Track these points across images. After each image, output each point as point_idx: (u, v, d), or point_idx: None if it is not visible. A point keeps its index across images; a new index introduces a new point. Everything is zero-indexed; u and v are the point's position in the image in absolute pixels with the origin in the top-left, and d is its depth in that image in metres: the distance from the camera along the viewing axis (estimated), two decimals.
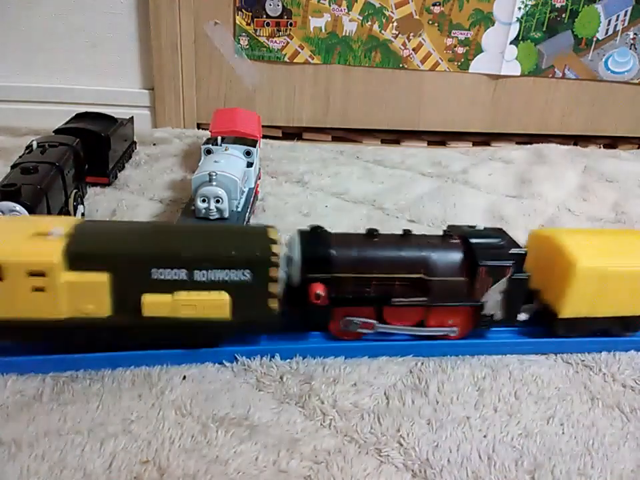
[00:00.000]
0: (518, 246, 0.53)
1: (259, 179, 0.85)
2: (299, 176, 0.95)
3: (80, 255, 0.42)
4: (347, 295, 0.49)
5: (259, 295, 0.45)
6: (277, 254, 0.45)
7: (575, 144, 1.41)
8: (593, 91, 1.32)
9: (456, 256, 0.51)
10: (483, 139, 1.39)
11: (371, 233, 0.51)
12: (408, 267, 0.50)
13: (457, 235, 0.53)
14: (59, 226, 0.43)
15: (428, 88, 1.26)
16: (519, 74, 1.28)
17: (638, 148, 1.44)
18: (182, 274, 0.43)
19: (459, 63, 1.25)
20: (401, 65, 1.23)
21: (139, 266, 0.43)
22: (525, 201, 0.95)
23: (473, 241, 0.52)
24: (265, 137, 1.22)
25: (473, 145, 1.38)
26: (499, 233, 0.55)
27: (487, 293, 0.51)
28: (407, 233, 0.52)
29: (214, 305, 0.44)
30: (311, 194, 0.88)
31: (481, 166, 1.11)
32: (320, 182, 0.93)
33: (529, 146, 1.26)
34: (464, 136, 1.38)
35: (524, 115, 1.34)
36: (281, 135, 1.26)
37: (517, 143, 1.37)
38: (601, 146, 1.45)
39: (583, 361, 0.55)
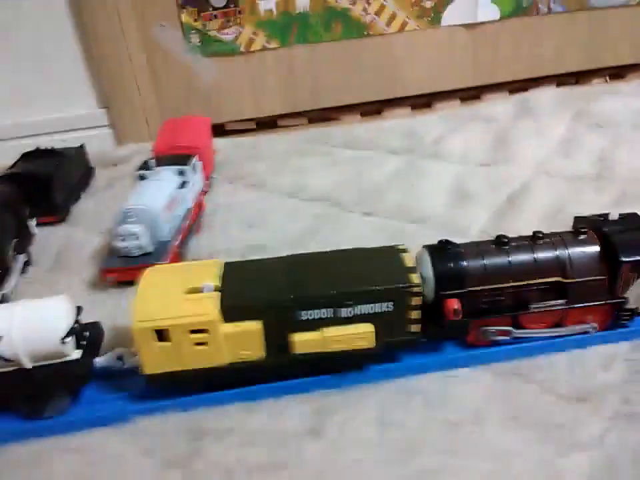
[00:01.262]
0: None
1: (205, 192, 0.83)
2: (258, 178, 0.91)
3: (234, 308, 0.46)
4: (482, 306, 0.49)
5: (401, 322, 0.48)
6: (418, 284, 0.47)
7: (577, 82, 1.30)
8: (585, 21, 1.19)
9: (594, 253, 0.49)
10: (474, 93, 1.30)
11: (500, 240, 0.50)
12: (543, 271, 0.49)
13: (591, 228, 0.51)
14: (208, 280, 0.48)
15: (400, 51, 1.18)
16: (498, 17, 1.17)
17: None
18: (328, 312, 0.47)
19: (429, 18, 1.16)
20: (365, 33, 1.15)
21: (288, 311, 0.46)
22: (498, 169, 0.88)
23: (611, 234, 0.49)
24: (236, 131, 1.19)
25: (462, 101, 1.29)
26: (634, 219, 0.52)
27: (630, 287, 0.49)
28: (537, 233, 0.51)
29: (360, 337, 0.47)
30: (264, 199, 0.85)
31: (459, 130, 1.03)
32: (279, 181, 0.89)
33: (515, 97, 1.16)
34: (452, 94, 1.29)
35: (512, 61, 1.23)
36: (255, 127, 1.22)
37: (511, 92, 1.27)
38: (607, 78, 1.32)
39: (517, 368, 0.51)
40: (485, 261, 0.48)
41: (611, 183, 0.80)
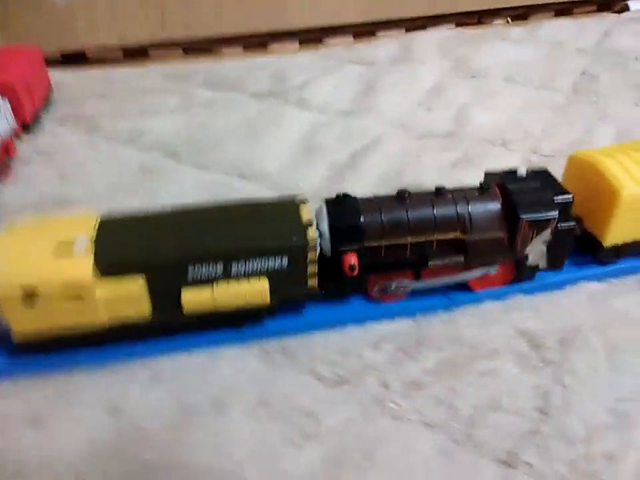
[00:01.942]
0: (564, 191, 0.49)
1: (17, 135, 0.74)
2: (94, 120, 0.82)
3: (112, 263, 0.42)
4: (381, 261, 0.48)
5: (297, 277, 0.46)
6: (313, 239, 0.45)
7: (479, 22, 1.23)
8: None
9: (494, 209, 0.48)
10: (369, 29, 1.22)
11: (401, 194, 0.48)
12: (443, 226, 0.48)
13: (496, 184, 0.50)
14: (80, 231, 0.43)
15: None
16: None
17: (595, 12, 1.25)
18: (219, 268, 0.44)
19: None
20: None
21: (175, 267, 0.43)
22: (355, 121, 0.82)
23: (512, 191, 0.48)
24: (100, 61, 1.08)
25: (355, 38, 1.21)
26: (543, 176, 0.51)
27: (530, 245, 0.49)
28: (439, 189, 0.49)
29: (253, 292, 0.45)
30: (93, 145, 0.76)
31: (332, 73, 0.96)
32: (117, 125, 0.81)
33: (402, 38, 1.09)
34: (345, 29, 1.20)
35: None
36: (122, 57, 1.11)
37: (408, 30, 1.20)
38: (509, 19, 1.26)
39: (285, 349, 0.48)
40: (383, 216, 0.47)
41: (459, 142, 0.76)
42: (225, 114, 0.85)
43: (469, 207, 0.48)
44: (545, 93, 0.88)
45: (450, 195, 0.48)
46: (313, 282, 0.47)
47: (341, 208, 0.48)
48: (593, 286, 0.53)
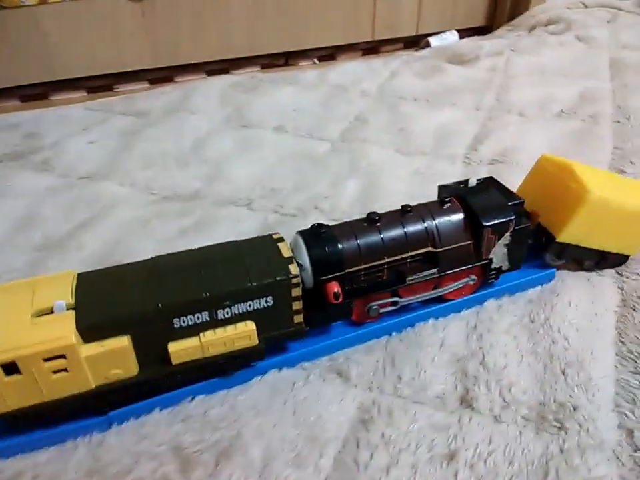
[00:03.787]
0: (513, 195, 0.53)
1: None
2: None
3: (93, 327, 0.39)
4: (362, 285, 0.49)
5: (283, 314, 0.45)
6: (296, 275, 0.44)
7: (286, 63, 1.20)
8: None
9: (458, 220, 0.50)
10: (166, 74, 1.16)
11: (372, 218, 0.48)
12: (414, 243, 0.49)
13: (454, 197, 0.51)
14: (57, 297, 0.40)
15: (51, 28, 0.99)
16: None
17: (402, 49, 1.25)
18: (204, 316, 0.42)
19: None
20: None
21: (158, 321, 0.41)
22: (95, 186, 0.73)
23: (472, 201, 0.50)
24: None
25: (152, 84, 1.14)
26: (492, 183, 0.54)
27: (493, 249, 0.51)
28: (404, 207, 0.50)
29: (241, 336, 0.44)
30: None
31: (95, 127, 0.88)
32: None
33: (184, 86, 1.03)
34: (141, 75, 1.13)
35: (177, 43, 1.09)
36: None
37: (210, 74, 1.15)
38: (316, 60, 1.24)
39: None
40: (359, 241, 0.47)
41: (200, 205, 0.70)
42: None
43: (435, 221, 0.49)
44: (311, 142, 0.84)
45: (416, 212, 0.50)
46: (299, 318, 0.46)
47: (318, 238, 0.47)
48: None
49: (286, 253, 0.45)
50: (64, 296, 0.40)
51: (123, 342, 0.40)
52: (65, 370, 0.39)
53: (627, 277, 0.58)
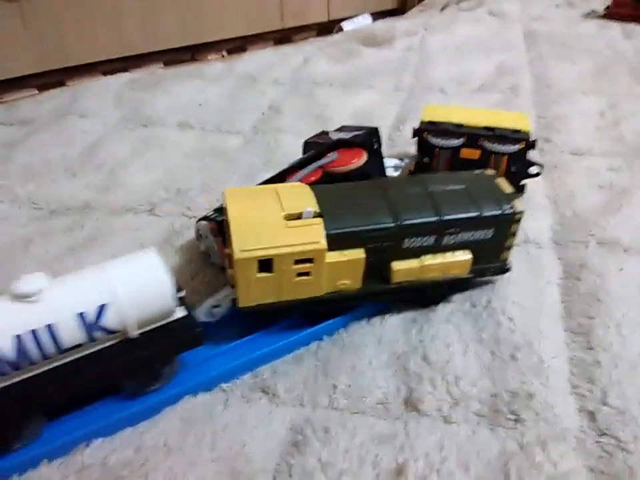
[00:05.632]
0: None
1: None
2: None
3: (340, 236, 0.41)
4: None
5: (496, 248, 0.46)
6: (522, 211, 0.44)
7: (193, 58, 1.12)
8: None
9: None
10: (57, 77, 1.05)
11: None
12: None
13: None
14: (305, 203, 0.41)
15: None
16: None
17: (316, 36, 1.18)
18: (431, 239, 0.43)
19: None
20: None
21: (392, 239, 0.42)
22: None
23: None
24: None
25: (40, 90, 1.03)
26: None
27: None
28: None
29: (458, 265, 0.44)
30: None
31: None
32: None
33: (72, 89, 0.92)
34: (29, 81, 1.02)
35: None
36: None
37: (105, 74, 1.04)
38: (224, 53, 1.17)
39: None
40: None
41: (92, 216, 0.61)
42: None
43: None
44: (221, 136, 0.76)
45: None
46: (506, 255, 0.47)
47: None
48: None
49: (507, 188, 0.46)
50: (309, 204, 0.41)
51: (361, 254, 0.42)
52: (307, 274, 0.40)
53: (566, 246, 0.54)
